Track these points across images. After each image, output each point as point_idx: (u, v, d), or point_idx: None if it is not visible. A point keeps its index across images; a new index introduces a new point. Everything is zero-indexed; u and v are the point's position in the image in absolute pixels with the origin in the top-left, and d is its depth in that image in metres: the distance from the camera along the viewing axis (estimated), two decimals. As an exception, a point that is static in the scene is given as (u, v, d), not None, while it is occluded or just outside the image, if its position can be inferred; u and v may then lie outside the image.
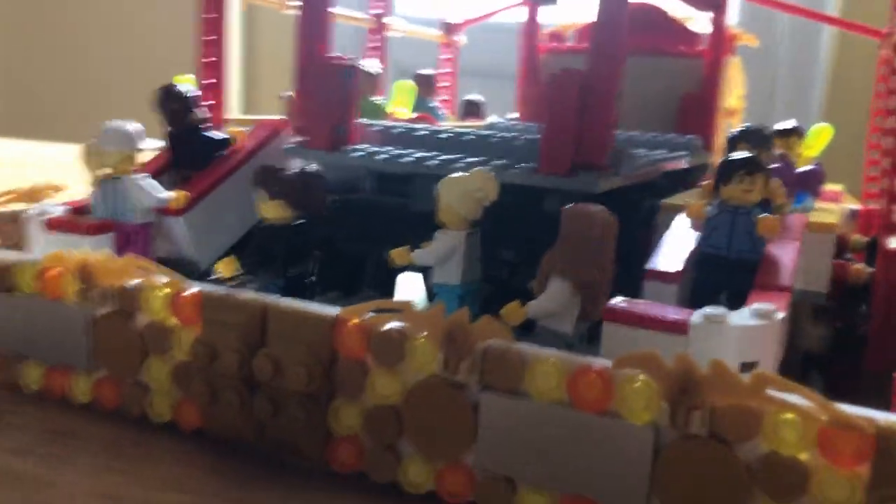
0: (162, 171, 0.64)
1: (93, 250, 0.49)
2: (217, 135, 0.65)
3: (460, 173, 0.50)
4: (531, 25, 1.02)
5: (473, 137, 0.62)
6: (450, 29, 1.18)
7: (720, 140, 0.87)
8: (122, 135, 0.58)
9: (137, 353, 0.46)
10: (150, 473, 0.43)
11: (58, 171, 0.58)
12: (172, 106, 0.64)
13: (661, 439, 0.35)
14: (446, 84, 1.20)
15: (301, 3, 0.61)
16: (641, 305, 0.41)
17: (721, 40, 0.91)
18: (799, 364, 0.58)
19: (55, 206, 0.61)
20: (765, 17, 2.24)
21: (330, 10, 0.61)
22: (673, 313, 0.39)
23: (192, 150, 0.64)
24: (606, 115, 0.53)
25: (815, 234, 0.55)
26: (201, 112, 0.65)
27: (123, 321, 0.47)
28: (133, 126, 0.58)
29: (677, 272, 0.46)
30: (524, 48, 1.03)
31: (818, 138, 0.81)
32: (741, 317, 0.38)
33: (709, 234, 0.49)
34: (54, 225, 0.58)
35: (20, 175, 0.74)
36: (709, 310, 0.38)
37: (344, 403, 0.42)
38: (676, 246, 0.49)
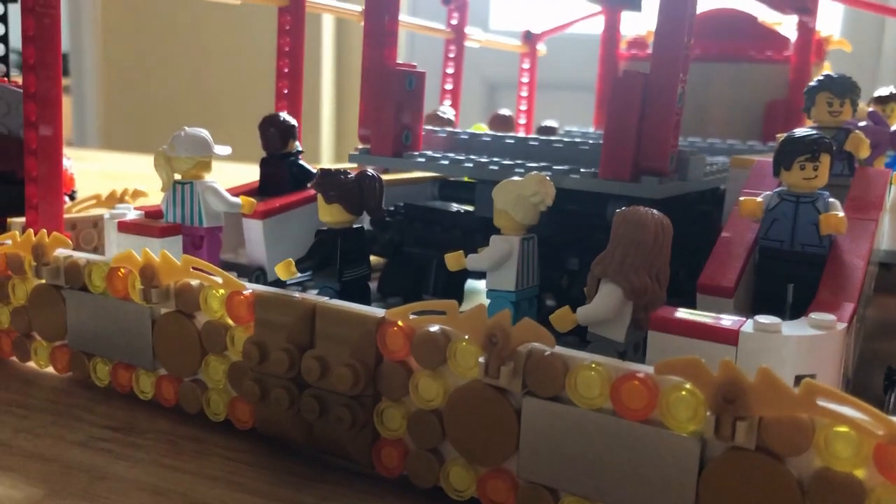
0: (248, 194, 0.66)
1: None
2: (307, 166, 0.67)
3: (515, 178, 0.49)
4: (610, 33, 1.00)
5: (537, 143, 0.61)
6: (530, 39, 1.17)
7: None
8: (193, 141, 0.59)
9: (196, 352, 0.47)
10: (200, 469, 0.44)
11: (152, 181, 0.60)
12: (270, 131, 0.65)
13: (707, 451, 0.34)
14: (525, 94, 1.19)
15: (366, 11, 0.61)
16: (690, 313, 0.39)
17: (807, 44, 0.88)
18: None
19: (131, 210, 0.63)
20: (872, 25, 2.15)
21: (395, 17, 0.61)
22: (723, 322, 0.38)
23: (280, 177, 0.66)
24: (668, 119, 0.51)
25: None
26: (297, 143, 0.66)
27: (183, 320, 0.48)
28: (204, 133, 0.60)
29: (730, 286, 0.44)
30: (603, 56, 1.01)
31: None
32: (797, 326, 0.36)
33: (769, 226, 0.47)
34: (125, 227, 0.60)
35: (118, 185, 0.78)
36: (761, 318, 0.36)
37: (389, 406, 0.41)
38: (733, 246, 0.47)
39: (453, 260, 0.50)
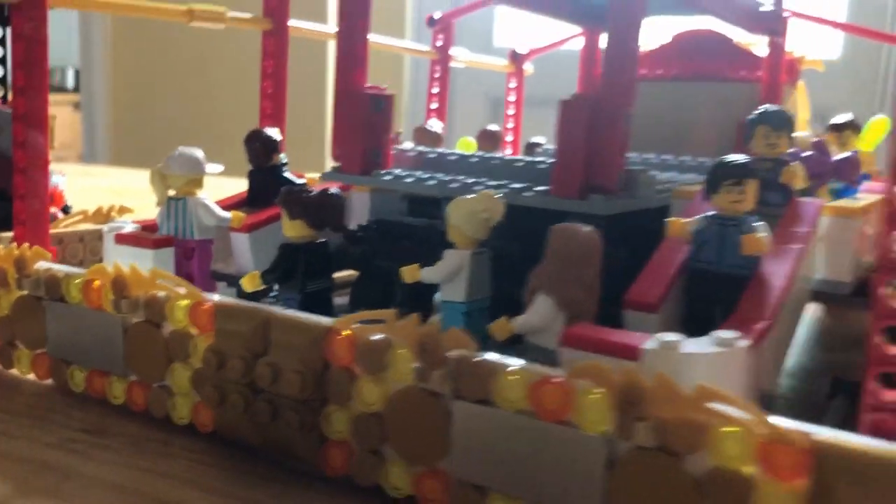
0: (237, 206, 0.69)
1: (153, 263, 0.55)
2: (293, 177, 0.70)
3: (469, 195, 0.52)
4: (589, 53, 1.03)
5: (499, 162, 0.64)
6: (517, 59, 1.20)
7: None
8: (187, 160, 0.63)
9: (163, 359, 0.50)
10: (165, 470, 0.47)
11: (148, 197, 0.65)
12: (255, 146, 0.69)
13: (615, 450, 0.36)
14: (512, 113, 1.22)
15: (337, 37, 0.64)
16: (599, 330, 0.41)
17: (777, 64, 0.90)
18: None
19: (129, 224, 0.67)
20: (870, 49, 2.17)
21: (364, 43, 0.65)
22: (628, 339, 0.40)
23: (267, 189, 0.69)
24: (616, 140, 0.54)
25: (837, 220, 0.54)
26: (281, 156, 0.70)
27: (151, 329, 0.51)
28: (198, 153, 0.63)
29: (656, 301, 0.46)
30: (583, 75, 1.04)
31: (874, 132, 0.79)
32: (699, 344, 0.39)
33: (698, 248, 0.49)
34: (122, 239, 0.64)
35: (126, 201, 0.82)
36: (664, 336, 0.39)
37: (335, 410, 0.44)
38: (663, 265, 0.50)
39: (409, 273, 0.53)
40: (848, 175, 0.61)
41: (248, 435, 0.47)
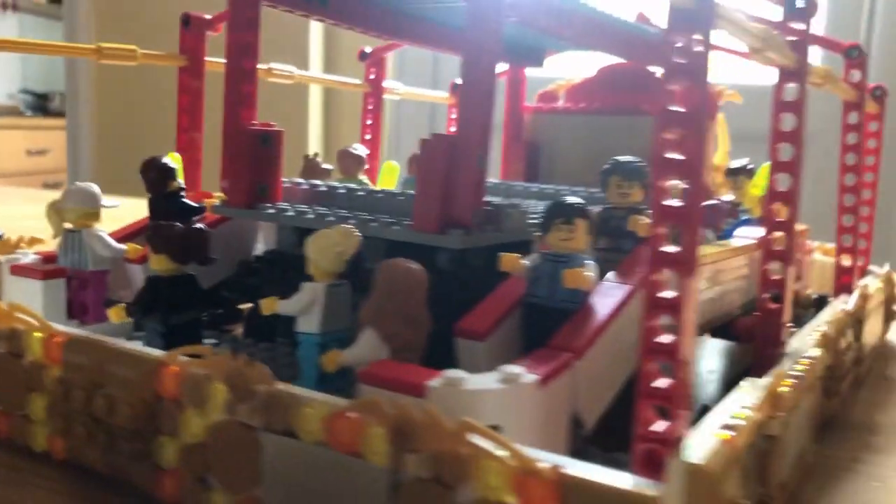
0: (139, 232, 0.71)
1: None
2: (191, 203, 0.72)
3: (326, 230, 0.54)
4: (514, 87, 1.05)
5: (382, 196, 0.66)
6: (457, 91, 1.23)
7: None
8: (81, 194, 0.65)
9: (23, 390, 0.52)
10: (18, 498, 0.48)
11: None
12: (151, 175, 0.71)
13: (397, 481, 0.38)
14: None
15: (225, 78, 0.67)
16: (393, 368, 0.43)
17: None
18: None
19: (28, 255, 0.69)
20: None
21: (252, 82, 0.67)
22: (416, 376, 0.41)
23: (167, 216, 0.71)
24: (470, 178, 0.56)
25: None
26: (177, 182, 0.72)
27: (14, 361, 0.52)
28: (93, 187, 0.66)
29: (485, 330, 0.48)
30: (508, 109, 1.07)
31: (764, 177, 0.81)
32: (482, 380, 0.40)
33: (532, 284, 0.51)
34: (16, 270, 0.66)
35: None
36: (450, 372, 0.40)
37: (167, 440, 0.46)
38: (500, 299, 0.51)
39: (267, 305, 0.54)
40: (714, 221, 0.63)
41: (95, 463, 0.49)
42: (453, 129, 1.22)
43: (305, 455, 0.41)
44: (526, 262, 0.52)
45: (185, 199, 0.71)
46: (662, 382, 0.37)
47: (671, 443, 0.37)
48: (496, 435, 0.35)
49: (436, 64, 2.35)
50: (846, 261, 0.84)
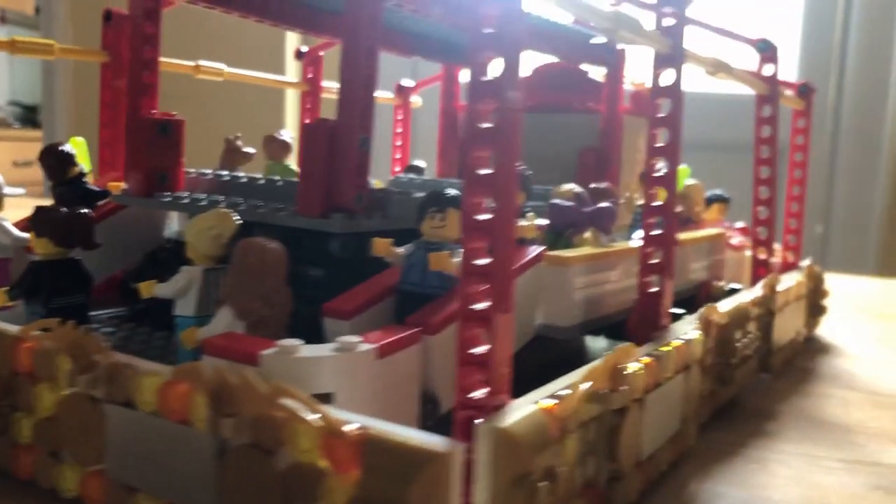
0: None
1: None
2: (94, 188, 0.72)
3: (203, 214, 0.55)
4: (448, 86, 1.06)
5: (282, 184, 0.67)
6: (402, 92, 1.24)
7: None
8: (-17, 184, 0.66)
9: None
10: None
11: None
12: (49, 161, 0.71)
13: (223, 447, 0.38)
14: (399, 144, 1.25)
15: (129, 69, 0.67)
16: (232, 338, 0.43)
17: (615, 95, 0.93)
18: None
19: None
20: (823, 76, 2.21)
21: (154, 71, 0.67)
22: (251, 345, 0.42)
23: (72, 202, 0.71)
24: (351, 161, 0.57)
25: (551, 268, 0.56)
26: (78, 167, 0.72)
27: None
28: (-5, 176, 0.66)
29: (351, 309, 0.48)
30: (443, 108, 1.07)
31: (680, 182, 0.82)
32: (316, 349, 0.41)
33: (407, 271, 0.52)
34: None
35: None
36: (286, 341, 0.41)
37: (22, 415, 0.46)
38: (374, 284, 0.52)
39: (145, 288, 0.55)
40: (603, 223, 0.64)
41: (-40, 441, 0.49)
42: (399, 130, 1.24)
43: (145, 425, 0.41)
44: (400, 249, 0.53)
45: (87, 185, 0.71)
46: (479, 350, 0.37)
47: (488, 409, 0.37)
48: (306, 398, 0.35)
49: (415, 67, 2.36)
50: (762, 254, 0.84)
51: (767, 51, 0.81)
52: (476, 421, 0.36)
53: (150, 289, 0.55)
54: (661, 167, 0.57)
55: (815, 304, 0.96)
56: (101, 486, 0.43)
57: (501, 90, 0.36)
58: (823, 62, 2.26)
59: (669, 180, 0.57)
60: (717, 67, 0.65)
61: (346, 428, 0.34)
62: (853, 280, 1.52)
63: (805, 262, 0.96)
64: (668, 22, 0.56)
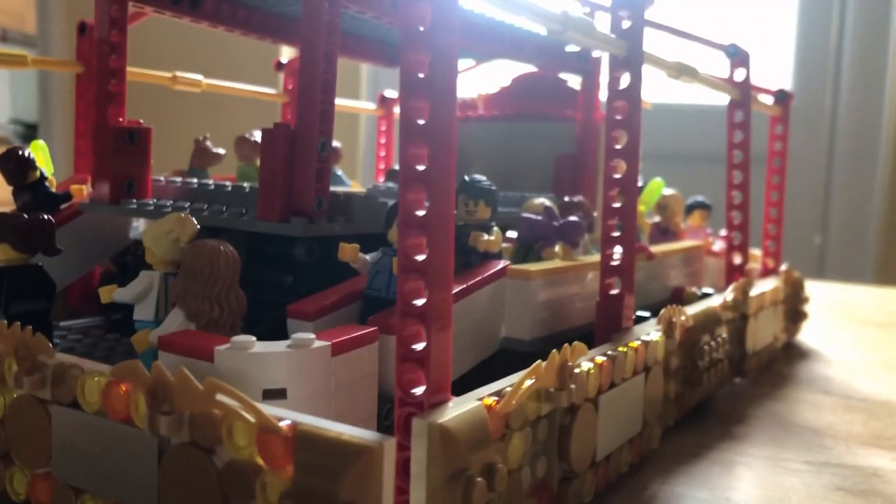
0: None
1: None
2: (55, 192, 0.73)
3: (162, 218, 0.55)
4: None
5: (248, 191, 0.67)
6: (385, 103, 1.24)
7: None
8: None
9: None
10: None
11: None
12: (8, 166, 0.71)
13: (164, 446, 0.38)
14: (383, 154, 1.25)
15: (96, 76, 0.68)
16: (187, 335, 0.43)
17: (591, 102, 0.93)
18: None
19: None
20: (816, 91, 2.22)
21: (121, 80, 0.68)
22: (207, 342, 0.42)
23: (33, 207, 0.71)
24: (310, 165, 0.57)
25: (514, 281, 0.56)
26: (38, 171, 0.72)
27: None
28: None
29: (314, 310, 0.49)
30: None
31: (650, 194, 0.82)
32: (269, 345, 0.41)
33: (373, 277, 0.52)
34: None
35: None
36: (240, 337, 0.41)
37: (-26, 419, 0.46)
38: (340, 289, 0.52)
39: (105, 293, 0.55)
40: (571, 238, 0.64)
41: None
42: (383, 140, 1.24)
43: (90, 426, 0.41)
44: (367, 256, 0.53)
45: (48, 189, 0.71)
46: (417, 346, 0.37)
47: (426, 406, 0.37)
48: (241, 395, 0.35)
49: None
50: (736, 259, 0.84)
51: (737, 55, 0.81)
52: (413, 417, 0.36)
53: (109, 293, 0.55)
54: (620, 167, 0.57)
55: (794, 309, 0.96)
56: (49, 489, 0.43)
57: (432, 86, 0.36)
58: (819, 70, 2.26)
59: (628, 182, 0.57)
60: (680, 71, 0.65)
61: (277, 424, 0.34)
62: (847, 288, 1.51)
63: (782, 268, 0.95)
64: (625, 24, 0.56)
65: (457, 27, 0.37)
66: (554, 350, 0.43)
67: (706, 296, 0.79)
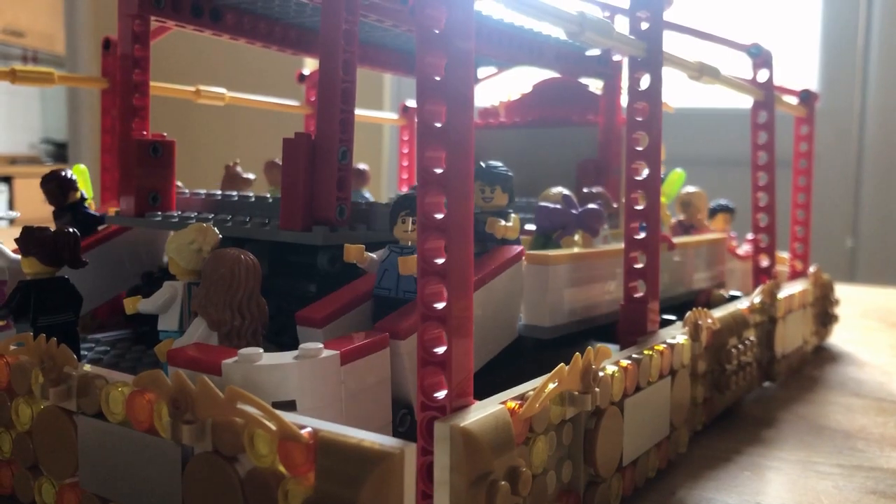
0: None
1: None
2: (93, 213, 0.74)
3: (184, 229, 0.55)
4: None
5: (271, 201, 0.67)
6: (407, 112, 1.24)
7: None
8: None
9: None
10: None
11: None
12: (50, 186, 0.73)
13: (188, 455, 0.38)
14: (406, 164, 1.26)
15: (119, 91, 0.68)
16: (198, 349, 0.43)
17: (613, 107, 0.93)
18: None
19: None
20: (844, 94, 2.19)
21: (145, 94, 0.68)
22: (215, 355, 0.42)
23: (73, 226, 0.72)
24: (331, 175, 0.57)
25: (532, 267, 0.56)
26: (79, 193, 0.73)
27: None
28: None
29: (323, 316, 0.49)
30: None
31: (672, 185, 0.81)
32: (277, 356, 0.41)
33: (381, 277, 0.51)
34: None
35: None
36: (248, 350, 0.41)
37: (2, 431, 0.47)
38: (347, 291, 0.52)
39: (130, 304, 0.55)
40: (591, 225, 0.63)
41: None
42: (406, 150, 1.24)
43: (115, 436, 0.41)
44: (374, 255, 0.53)
45: (87, 210, 0.72)
46: (439, 350, 0.37)
47: (449, 409, 0.37)
48: (262, 403, 0.35)
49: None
50: (763, 261, 0.83)
51: (760, 56, 0.80)
52: (435, 421, 0.36)
53: (133, 304, 0.55)
54: (641, 170, 0.57)
55: (824, 312, 0.94)
56: (77, 499, 0.43)
57: (448, 89, 0.36)
58: (847, 70, 2.24)
59: (651, 184, 0.57)
60: (702, 72, 0.64)
61: (298, 431, 0.34)
62: (879, 292, 1.49)
63: (811, 270, 0.94)
64: (644, 25, 0.56)
65: (472, 29, 0.37)
66: (577, 353, 0.43)
67: (734, 298, 0.78)
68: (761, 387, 0.76)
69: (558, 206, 0.64)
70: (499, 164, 0.61)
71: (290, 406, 0.40)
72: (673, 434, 0.56)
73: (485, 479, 0.35)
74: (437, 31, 0.36)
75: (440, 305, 0.37)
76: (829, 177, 2.17)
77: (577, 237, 0.64)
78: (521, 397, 0.40)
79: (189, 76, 0.93)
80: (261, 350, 0.41)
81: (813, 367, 0.87)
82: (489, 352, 0.54)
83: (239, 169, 0.88)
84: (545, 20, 0.46)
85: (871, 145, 2.23)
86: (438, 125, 0.36)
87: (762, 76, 0.81)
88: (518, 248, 0.57)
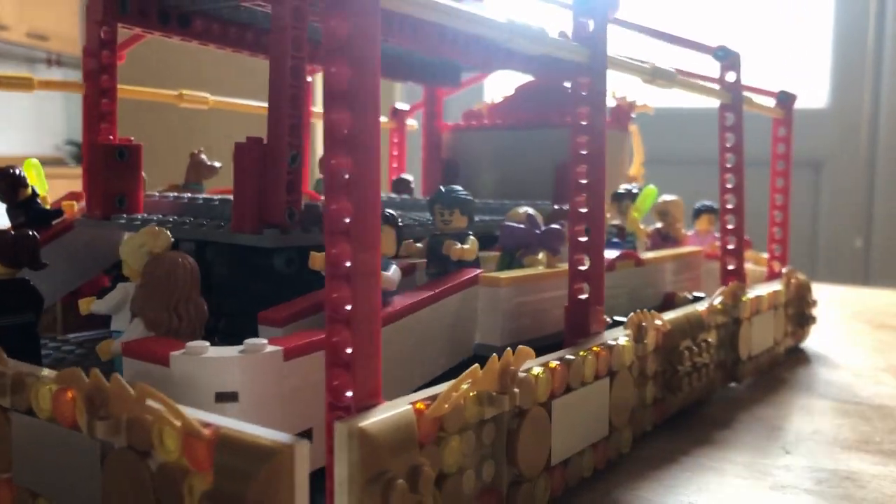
0: None
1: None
2: (46, 209, 0.75)
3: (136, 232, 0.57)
4: (430, 107, 1.08)
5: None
6: (397, 115, 1.25)
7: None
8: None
9: None
10: None
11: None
12: (1, 185, 0.74)
13: (104, 451, 0.40)
14: (395, 166, 1.27)
15: (85, 96, 0.70)
16: (149, 342, 0.45)
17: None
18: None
19: None
20: (855, 97, 2.18)
21: (113, 99, 0.70)
22: (165, 347, 0.43)
23: (26, 223, 0.74)
24: (281, 178, 0.58)
25: (485, 289, 0.57)
26: (29, 189, 0.75)
27: None
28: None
29: (284, 317, 0.50)
30: (425, 127, 1.09)
31: (644, 200, 0.82)
32: (222, 350, 0.42)
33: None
34: None
35: None
36: (195, 343, 0.42)
37: (-53, 426, 0.48)
38: (311, 296, 0.53)
39: (83, 304, 0.57)
40: (552, 245, 0.64)
41: None
42: (395, 152, 1.25)
43: (43, 432, 0.42)
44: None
45: (39, 206, 0.74)
46: (345, 352, 0.38)
47: (354, 409, 0.38)
48: (168, 400, 0.36)
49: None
50: (731, 264, 0.83)
51: (727, 58, 0.80)
52: (336, 421, 0.37)
53: (87, 305, 0.57)
54: (584, 172, 0.57)
55: (800, 313, 0.94)
56: (11, 494, 0.45)
57: (354, 96, 0.37)
58: (857, 71, 2.23)
59: (594, 187, 0.57)
60: (655, 75, 0.65)
61: (200, 427, 0.35)
62: (879, 293, 1.48)
63: (784, 271, 0.94)
64: (588, 29, 0.56)
65: (377, 38, 0.38)
66: (494, 354, 0.44)
67: (697, 300, 0.79)
68: (726, 388, 0.77)
69: (522, 226, 0.65)
70: (458, 187, 0.62)
71: (232, 398, 0.41)
72: (613, 434, 0.56)
73: (381, 478, 0.36)
74: (340, 40, 0.37)
75: (347, 308, 0.38)
76: (839, 177, 2.16)
77: (540, 255, 0.64)
78: (433, 398, 0.41)
79: (166, 80, 0.94)
80: (207, 343, 0.42)
81: (784, 368, 0.87)
82: (440, 366, 0.55)
83: (203, 157, 0.89)
84: (475, 30, 0.47)
85: (883, 146, 2.21)
86: (345, 131, 0.37)
87: (730, 78, 0.82)
88: (476, 272, 0.58)
